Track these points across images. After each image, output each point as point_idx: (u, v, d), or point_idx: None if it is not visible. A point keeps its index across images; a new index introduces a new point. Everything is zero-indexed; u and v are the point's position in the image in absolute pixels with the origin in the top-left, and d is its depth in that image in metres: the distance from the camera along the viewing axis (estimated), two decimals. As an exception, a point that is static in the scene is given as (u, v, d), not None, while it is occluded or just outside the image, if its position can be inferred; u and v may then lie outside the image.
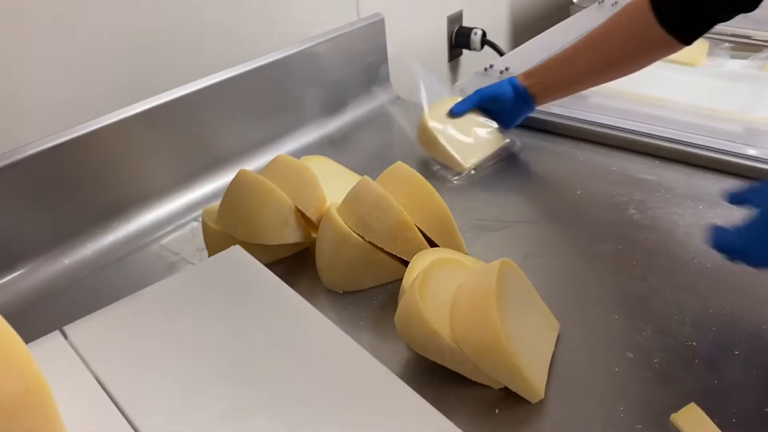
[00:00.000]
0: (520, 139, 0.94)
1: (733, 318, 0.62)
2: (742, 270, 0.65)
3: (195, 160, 0.86)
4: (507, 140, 0.93)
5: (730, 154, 0.85)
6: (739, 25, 1.05)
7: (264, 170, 0.74)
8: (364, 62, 1.05)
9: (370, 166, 0.90)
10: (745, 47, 1.16)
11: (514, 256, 0.72)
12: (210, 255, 0.74)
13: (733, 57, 1.18)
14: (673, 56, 1.16)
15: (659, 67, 1.15)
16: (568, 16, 1.43)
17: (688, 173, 0.86)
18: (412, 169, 0.72)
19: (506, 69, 1.09)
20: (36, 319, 0.67)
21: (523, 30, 1.62)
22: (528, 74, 0.89)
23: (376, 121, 1.02)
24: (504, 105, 0.89)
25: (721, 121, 0.91)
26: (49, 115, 0.77)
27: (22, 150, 0.70)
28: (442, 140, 0.88)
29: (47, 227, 0.74)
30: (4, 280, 0.71)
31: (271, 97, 0.93)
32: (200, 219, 0.77)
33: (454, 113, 0.90)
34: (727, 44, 1.19)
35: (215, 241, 0.72)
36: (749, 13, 1.09)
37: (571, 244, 0.74)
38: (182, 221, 0.82)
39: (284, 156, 0.75)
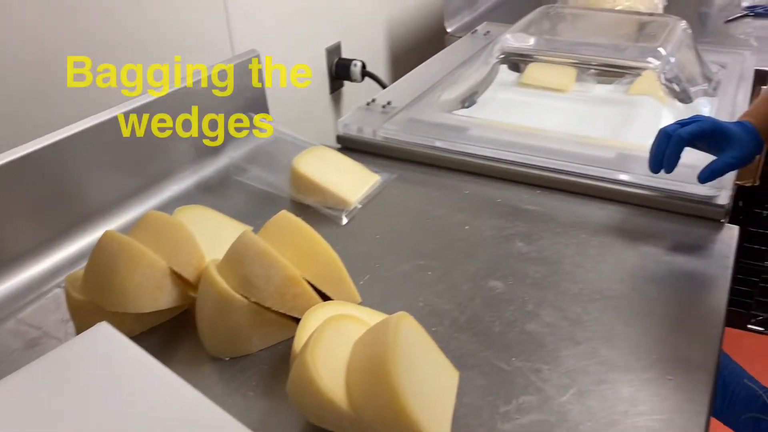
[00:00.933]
0: (398, 173, 0.93)
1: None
2: (628, 297, 0.67)
3: (55, 219, 0.77)
4: (379, 176, 0.91)
5: (605, 180, 0.88)
6: (602, 54, 1.10)
7: (133, 230, 0.68)
8: (240, 99, 1.00)
9: (256, 211, 0.85)
10: (610, 74, 1.22)
11: (409, 300, 0.70)
12: (76, 327, 0.67)
13: (599, 82, 1.24)
14: (544, 83, 1.22)
15: (532, 94, 1.19)
16: (444, 46, 1.45)
17: (569, 201, 0.88)
18: (297, 219, 0.68)
19: (389, 103, 1.08)
20: None
21: (402, 60, 1.63)
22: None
23: (257, 160, 0.97)
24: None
25: (594, 148, 0.94)
26: None
27: None
28: (321, 182, 0.85)
29: None
30: None
31: (138, 144, 0.86)
32: (63, 286, 0.69)
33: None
34: (593, 70, 1.25)
35: (81, 312, 0.65)
36: (612, 43, 1.14)
37: (465, 282, 0.73)
38: (43, 289, 0.74)
39: (155, 212, 0.69)
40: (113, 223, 0.82)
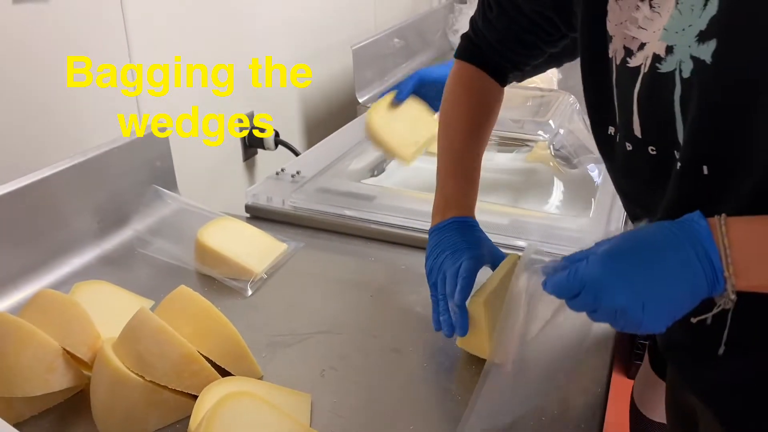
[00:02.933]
0: (306, 242, 0.95)
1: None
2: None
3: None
4: (286, 245, 0.93)
5: (501, 246, 0.93)
6: (502, 127, 1.18)
7: (23, 309, 0.66)
8: (146, 171, 1.00)
9: (159, 285, 0.84)
10: (510, 143, 1.29)
11: (311, 372, 0.70)
12: (-42, 415, 0.63)
13: (500, 151, 1.31)
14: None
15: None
16: (356, 115, 1.50)
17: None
18: (195, 294, 0.68)
19: (298, 173, 1.11)
20: None
21: (316, 128, 1.67)
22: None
23: (162, 232, 0.97)
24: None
25: (493, 215, 0.99)
26: None
27: None
28: (225, 253, 0.86)
29: None
30: None
31: (38, 218, 0.84)
32: (-54, 371, 0.65)
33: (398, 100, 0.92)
34: (493, 141, 1.32)
35: (-36, 399, 0.62)
36: (510, 116, 1.22)
37: (368, 353, 0.74)
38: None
39: (47, 291, 0.67)
40: (6, 302, 0.79)
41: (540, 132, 1.11)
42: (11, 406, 0.61)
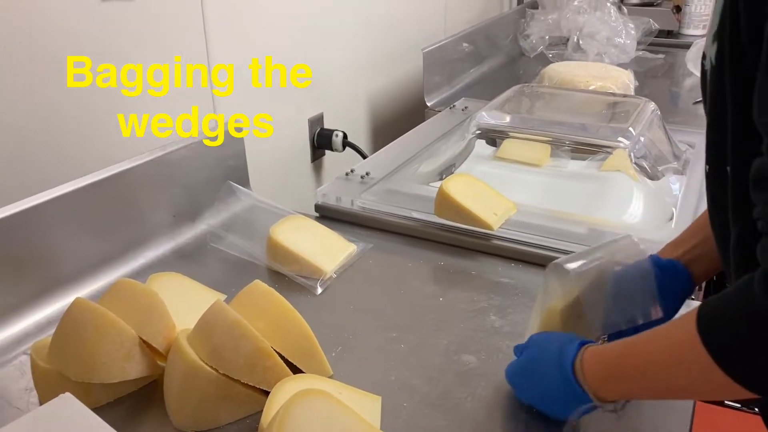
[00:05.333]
0: (374, 243, 0.94)
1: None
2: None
3: (25, 284, 0.77)
4: (355, 246, 0.92)
5: (578, 256, 0.90)
6: (576, 132, 1.14)
7: (103, 297, 0.67)
8: (222, 168, 1.02)
9: (231, 280, 0.85)
10: (583, 150, 1.25)
11: (380, 374, 0.69)
12: (40, 397, 0.65)
13: (573, 158, 1.27)
14: (520, 157, 1.25)
15: (508, 168, 1.22)
16: (423, 119, 1.49)
17: (542, 275, 0.89)
18: (270, 289, 0.68)
19: (367, 174, 1.10)
20: None
21: (383, 131, 1.67)
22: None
23: (235, 228, 0.98)
24: None
25: (567, 223, 0.96)
26: None
27: None
28: (297, 251, 0.86)
29: None
30: None
31: (115, 209, 0.87)
32: (29, 353, 0.67)
33: None
34: (566, 147, 1.29)
35: (46, 381, 0.63)
36: (585, 122, 1.18)
37: (437, 356, 0.72)
38: (9, 356, 0.72)
39: (126, 280, 0.69)
40: (85, 290, 0.81)
41: (620, 139, 1.07)
42: (89, 392, 0.63)
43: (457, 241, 0.95)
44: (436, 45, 1.59)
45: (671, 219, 0.98)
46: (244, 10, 1.16)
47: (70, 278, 0.81)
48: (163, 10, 1.00)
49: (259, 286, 0.68)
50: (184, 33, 1.04)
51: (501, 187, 1.10)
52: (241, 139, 1.04)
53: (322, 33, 1.40)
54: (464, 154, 1.19)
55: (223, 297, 0.80)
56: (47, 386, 0.63)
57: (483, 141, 1.25)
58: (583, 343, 0.58)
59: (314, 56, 1.37)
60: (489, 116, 1.17)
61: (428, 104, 1.56)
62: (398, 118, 1.73)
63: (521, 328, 0.77)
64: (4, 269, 0.74)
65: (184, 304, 0.72)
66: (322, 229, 0.93)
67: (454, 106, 1.47)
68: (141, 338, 0.64)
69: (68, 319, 0.63)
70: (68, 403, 0.53)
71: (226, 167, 1.03)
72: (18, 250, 0.75)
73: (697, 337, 0.45)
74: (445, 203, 0.95)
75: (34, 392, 0.66)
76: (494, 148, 1.27)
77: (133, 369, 0.63)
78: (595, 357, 0.56)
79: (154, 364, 0.65)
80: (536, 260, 0.91)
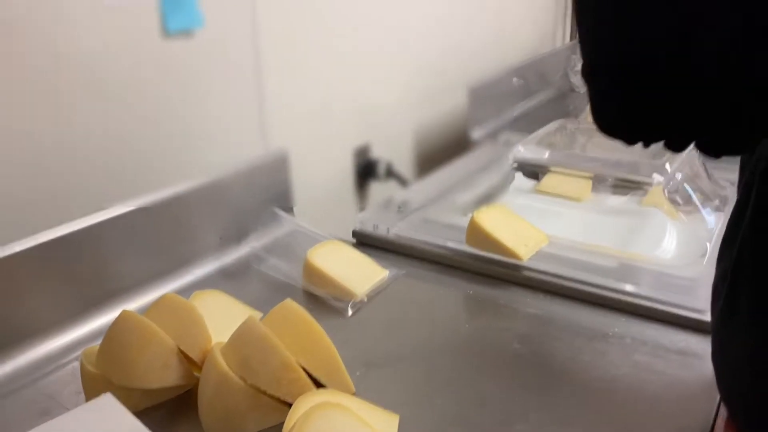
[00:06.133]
0: (407, 270, 0.98)
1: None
2: (622, 401, 0.68)
3: (82, 296, 0.84)
4: (387, 272, 0.96)
5: (606, 289, 0.91)
6: (613, 169, 1.16)
7: (149, 310, 0.73)
8: (267, 195, 1.08)
9: (269, 299, 0.90)
10: (625, 186, 1.26)
11: (403, 395, 0.72)
12: (87, 399, 0.71)
13: (614, 193, 1.28)
14: (561, 191, 1.27)
15: (548, 202, 1.24)
16: (467, 151, 1.53)
17: (570, 307, 0.90)
18: (299, 308, 0.73)
19: (405, 202, 1.15)
20: None
21: (427, 162, 1.71)
22: None
23: (276, 251, 1.03)
24: None
25: (598, 257, 0.97)
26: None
27: None
28: (330, 274, 0.90)
29: None
30: None
31: (168, 230, 0.93)
32: (80, 359, 0.74)
33: None
34: (607, 182, 1.30)
35: (93, 385, 0.69)
36: (621, 158, 1.20)
37: (460, 382, 0.75)
38: (63, 361, 0.79)
39: (170, 295, 0.74)
40: (136, 303, 0.88)
41: (655, 175, 1.08)
42: (131, 396, 0.68)
43: (487, 270, 0.98)
44: (485, 80, 1.63)
45: (704, 255, 0.98)
46: (297, 43, 1.23)
47: (123, 292, 0.88)
48: (219, 48, 1.08)
49: (289, 305, 0.73)
50: (239, 67, 1.12)
51: (539, 220, 1.12)
52: (287, 167, 1.10)
53: (373, 67, 1.46)
54: (503, 186, 1.22)
55: (259, 315, 0.85)
56: (94, 389, 0.69)
57: (522, 174, 1.28)
58: None
59: (364, 88, 1.44)
60: (526, 150, 1.20)
61: (473, 137, 1.60)
62: (443, 150, 1.77)
63: (543, 357, 0.79)
64: (63, 282, 0.81)
65: (223, 319, 0.77)
66: (356, 254, 0.97)
67: (497, 139, 1.50)
68: (179, 349, 0.69)
69: (115, 329, 0.69)
70: (109, 403, 0.58)
71: (272, 193, 1.09)
72: (76, 265, 0.82)
73: None
74: (475, 233, 0.98)
75: (83, 395, 0.72)
76: (535, 181, 1.30)
77: (171, 377, 0.68)
78: None
79: (190, 374, 0.70)
80: (565, 292, 0.92)
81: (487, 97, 1.65)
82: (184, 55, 1.03)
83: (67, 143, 0.90)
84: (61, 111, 0.88)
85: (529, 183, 1.31)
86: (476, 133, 1.60)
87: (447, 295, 0.94)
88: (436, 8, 1.66)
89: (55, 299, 0.81)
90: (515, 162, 1.18)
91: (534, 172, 1.29)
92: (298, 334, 0.70)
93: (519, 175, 1.31)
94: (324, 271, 0.91)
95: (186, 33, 1.03)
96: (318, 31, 1.29)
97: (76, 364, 0.78)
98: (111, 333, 0.69)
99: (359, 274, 0.94)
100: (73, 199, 0.91)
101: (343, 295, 0.90)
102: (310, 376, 0.68)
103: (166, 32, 1.00)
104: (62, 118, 0.89)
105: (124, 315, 0.69)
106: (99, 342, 0.72)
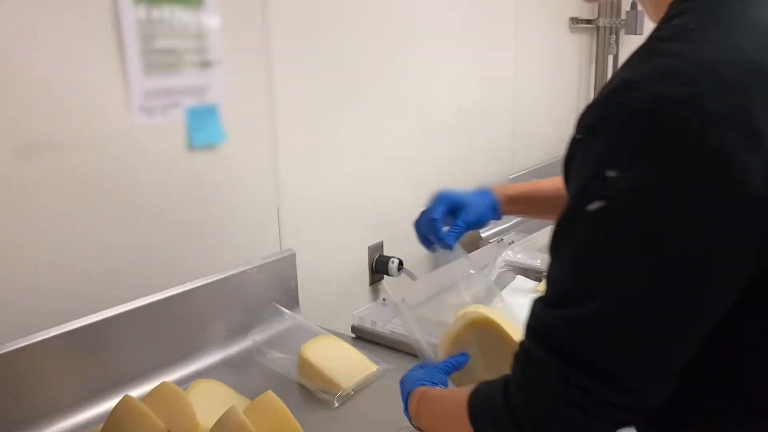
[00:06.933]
0: (398, 364, 1.04)
1: None
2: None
3: (95, 382, 0.94)
4: (377, 366, 1.03)
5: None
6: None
7: (146, 396, 0.83)
8: (273, 291, 1.18)
9: (265, 389, 0.98)
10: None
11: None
12: (88, 475, 0.80)
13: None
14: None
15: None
16: (477, 248, 1.61)
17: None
18: (278, 400, 0.81)
19: (403, 300, 1.22)
20: None
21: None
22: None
23: (276, 345, 1.12)
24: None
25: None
26: None
27: None
28: (319, 367, 0.98)
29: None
30: None
31: (179, 322, 1.04)
32: (86, 439, 0.83)
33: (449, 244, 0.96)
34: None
35: (92, 462, 0.78)
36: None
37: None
38: (73, 440, 0.89)
39: (166, 383, 0.84)
40: (144, 389, 0.98)
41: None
42: (125, 474, 0.77)
43: None
44: (492, 184, 1.72)
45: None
46: (314, 152, 1.36)
47: (131, 378, 0.98)
48: (241, 158, 1.21)
49: (270, 397, 0.81)
50: (259, 176, 1.26)
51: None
52: (294, 266, 1.21)
53: (389, 170, 1.58)
54: (500, 285, 1.29)
55: (241, 404, 0.93)
56: (94, 466, 0.78)
57: (524, 277, 1.35)
58: (423, 382, 0.76)
59: (379, 189, 1.55)
60: (516, 252, 1.27)
61: (482, 236, 1.68)
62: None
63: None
64: (77, 369, 0.93)
65: (215, 406, 0.86)
66: (348, 349, 1.05)
67: (501, 239, 1.58)
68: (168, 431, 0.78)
69: (115, 411, 0.79)
70: (97, 479, 0.67)
71: (279, 290, 1.19)
72: (91, 354, 0.94)
73: (467, 410, 0.60)
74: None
75: (86, 472, 0.81)
76: (536, 282, 1.36)
77: (160, 458, 0.77)
78: (417, 395, 0.74)
79: (178, 456, 0.79)
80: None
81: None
82: (207, 165, 1.17)
83: (102, 245, 1.03)
84: (98, 216, 1.02)
85: (530, 284, 1.37)
86: (485, 233, 1.69)
87: None
88: (451, 113, 1.79)
89: (70, 384, 0.92)
90: (504, 263, 1.26)
91: (537, 276, 1.36)
92: (274, 424, 0.78)
93: (520, 277, 1.38)
94: (314, 364, 0.99)
95: (210, 147, 1.18)
96: (333, 140, 1.43)
97: (85, 443, 0.88)
98: (112, 415, 0.79)
99: (348, 367, 1.01)
100: (103, 292, 1.03)
101: (330, 387, 0.98)
102: (282, 463, 0.76)
103: (192, 146, 1.14)
104: (98, 223, 1.02)
105: (124, 399, 0.79)
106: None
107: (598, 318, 0.49)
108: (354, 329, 1.17)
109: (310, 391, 0.99)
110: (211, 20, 1.12)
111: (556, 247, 0.53)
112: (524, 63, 2.01)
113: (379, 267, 1.59)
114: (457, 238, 0.95)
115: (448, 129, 1.78)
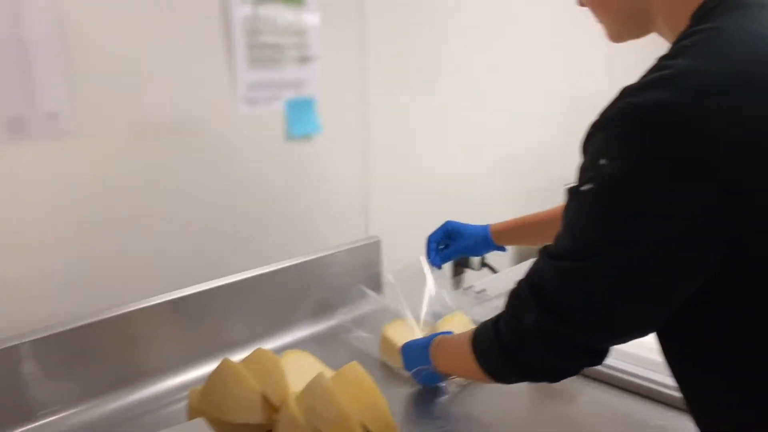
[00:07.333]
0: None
1: None
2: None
3: (201, 345, 1.04)
4: None
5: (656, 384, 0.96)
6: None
7: (243, 360, 0.91)
8: (359, 274, 1.25)
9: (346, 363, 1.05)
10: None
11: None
12: (190, 428, 0.89)
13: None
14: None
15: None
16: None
17: (620, 397, 0.96)
18: (362, 370, 0.87)
19: (483, 290, 1.26)
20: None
21: (525, 253, 1.80)
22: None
23: (361, 324, 1.18)
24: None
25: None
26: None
27: (66, 323, 0.91)
28: (400, 344, 1.03)
29: (72, 387, 0.92)
30: (46, 421, 0.90)
31: (275, 299, 1.13)
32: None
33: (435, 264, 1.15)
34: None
35: (195, 416, 0.87)
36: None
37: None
38: (177, 396, 0.98)
39: (261, 349, 0.92)
40: (240, 355, 1.06)
41: None
42: (221, 428, 0.85)
43: (608, 377, 1.00)
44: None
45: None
46: (402, 142, 1.42)
47: (229, 345, 1.07)
48: (333, 148, 1.29)
49: (354, 367, 0.87)
50: (350, 166, 1.33)
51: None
52: (379, 251, 1.27)
53: (475, 164, 1.62)
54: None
55: (332, 373, 0.99)
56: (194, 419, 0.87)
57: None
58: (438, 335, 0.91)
59: (462, 185, 1.59)
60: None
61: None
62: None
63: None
64: (184, 334, 1.02)
65: (303, 374, 0.92)
66: (429, 332, 1.09)
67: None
68: (263, 393, 0.85)
69: (215, 372, 0.87)
70: (199, 426, 0.75)
71: (364, 273, 1.26)
72: (193, 319, 1.03)
73: (470, 342, 0.77)
74: None
75: (188, 424, 0.90)
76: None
77: (253, 415, 0.84)
78: (435, 342, 0.90)
79: (269, 415, 0.86)
80: (620, 384, 0.98)
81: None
82: (302, 154, 1.25)
83: (208, 222, 1.12)
84: (204, 196, 1.11)
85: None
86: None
87: (557, 398, 0.99)
88: (540, 108, 1.80)
89: (175, 347, 1.02)
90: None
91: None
92: (358, 391, 0.84)
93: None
94: (395, 343, 1.04)
95: (306, 138, 1.25)
96: (422, 134, 1.48)
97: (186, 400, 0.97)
98: (212, 375, 0.87)
99: None
100: (207, 265, 1.12)
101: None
102: (366, 430, 0.81)
103: (290, 137, 1.23)
104: (204, 202, 1.12)
105: (224, 362, 0.87)
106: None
107: (583, 275, 0.61)
108: (434, 317, 1.21)
109: (391, 369, 1.04)
110: (311, 18, 1.20)
111: (564, 212, 0.63)
112: (617, 57, 1.99)
113: (462, 261, 1.63)
114: (444, 259, 1.16)
115: (537, 124, 1.79)
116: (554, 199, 1.83)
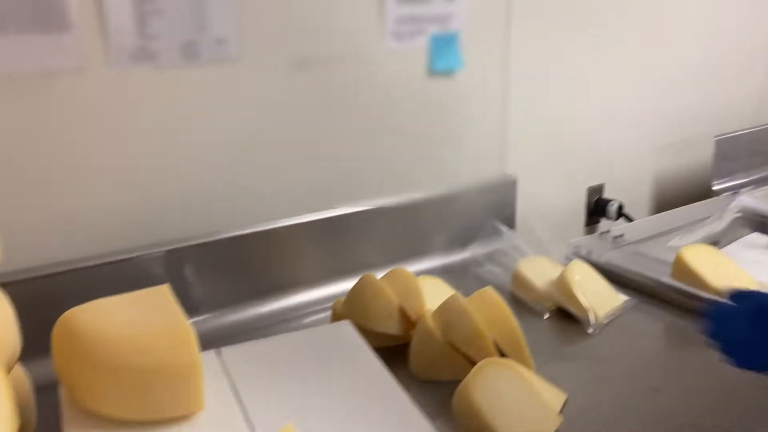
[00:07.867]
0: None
1: None
2: None
3: (342, 263, 1.11)
4: (625, 299, 1.05)
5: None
6: None
7: (383, 276, 0.96)
8: (493, 211, 1.26)
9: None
10: None
11: (576, 380, 0.83)
12: (332, 334, 0.96)
13: None
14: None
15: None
16: (708, 197, 1.53)
17: None
18: (496, 294, 0.89)
19: (621, 236, 1.23)
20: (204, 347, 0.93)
21: (663, 208, 1.72)
22: None
23: (493, 260, 1.20)
24: None
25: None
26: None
27: (220, 233, 1.01)
28: (534, 282, 1.04)
29: (226, 290, 1.02)
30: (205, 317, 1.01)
31: (411, 228, 1.17)
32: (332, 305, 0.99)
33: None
34: None
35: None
36: None
37: (634, 392, 0.83)
38: (321, 307, 1.06)
39: (400, 268, 0.97)
40: (377, 272, 1.12)
41: None
42: (362, 335, 0.91)
43: (689, 305, 1.02)
44: (733, 135, 1.62)
45: None
46: (542, 82, 1.40)
47: (368, 267, 1.12)
48: (474, 84, 1.29)
49: (489, 291, 0.90)
50: (489, 101, 1.33)
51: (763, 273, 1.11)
52: (514, 190, 1.28)
53: (618, 113, 1.56)
54: (726, 235, 1.23)
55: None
56: (338, 326, 0.93)
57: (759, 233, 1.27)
58: None
59: (605, 131, 1.54)
60: (753, 200, 1.20)
61: (714, 189, 1.59)
62: (681, 199, 1.76)
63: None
64: (328, 252, 1.10)
65: (438, 296, 0.95)
66: (559, 269, 1.09)
67: (737, 191, 1.48)
68: (400, 306, 0.90)
69: (358, 285, 0.93)
70: (345, 326, 0.81)
71: (498, 211, 1.27)
72: (338, 241, 1.10)
73: None
74: (681, 268, 1.04)
75: (330, 331, 0.97)
76: (768, 237, 1.28)
77: (392, 326, 0.89)
78: None
79: (407, 328, 0.90)
80: None
81: (733, 153, 1.62)
82: (443, 90, 1.26)
83: (352, 151, 1.18)
84: (350, 126, 1.17)
85: (764, 239, 1.29)
86: (718, 185, 1.59)
87: (648, 324, 1.01)
88: (694, 60, 1.69)
89: (319, 261, 1.10)
90: (738, 210, 1.19)
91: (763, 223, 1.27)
92: (492, 313, 0.87)
93: (756, 234, 1.29)
94: (531, 281, 1.05)
95: (448, 73, 1.27)
96: (564, 76, 1.44)
97: (330, 310, 1.04)
98: (355, 288, 0.93)
99: (602, 294, 1.04)
100: (347, 191, 1.18)
101: (540, 299, 1.03)
102: (498, 348, 0.84)
103: (432, 71, 1.24)
104: (350, 132, 1.17)
105: (365, 276, 0.93)
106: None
107: None
108: (567, 259, 1.21)
109: (521, 301, 1.06)
110: (461, -48, 1.20)
111: None
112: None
113: (598, 209, 1.59)
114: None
115: (689, 77, 1.69)
116: (702, 152, 1.74)
